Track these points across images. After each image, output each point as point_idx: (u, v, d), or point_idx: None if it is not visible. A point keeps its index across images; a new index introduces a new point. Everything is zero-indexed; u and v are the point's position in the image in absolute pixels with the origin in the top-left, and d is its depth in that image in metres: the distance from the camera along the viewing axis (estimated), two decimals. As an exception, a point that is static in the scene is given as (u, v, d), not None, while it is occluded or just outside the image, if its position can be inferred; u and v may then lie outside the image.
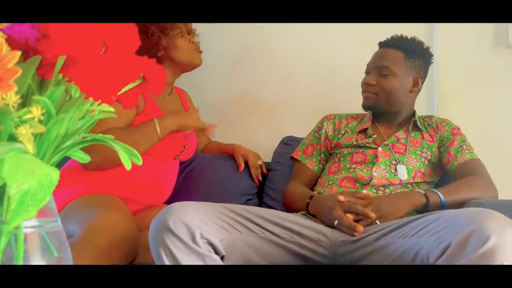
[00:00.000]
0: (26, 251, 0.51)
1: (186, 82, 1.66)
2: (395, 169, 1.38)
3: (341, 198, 1.20)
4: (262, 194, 1.69)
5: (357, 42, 1.85)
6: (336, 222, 1.17)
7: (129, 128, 1.37)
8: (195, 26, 1.65)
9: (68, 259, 0.57)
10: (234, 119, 1.99)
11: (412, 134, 1.46)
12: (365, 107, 1.48)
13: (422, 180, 1.39)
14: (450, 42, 1.81)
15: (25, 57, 0.52)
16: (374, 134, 1.47)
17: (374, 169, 1.37)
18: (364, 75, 1.50)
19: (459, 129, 1.48)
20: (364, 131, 1.49)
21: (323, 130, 1.55)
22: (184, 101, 1.69)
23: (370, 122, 1.50)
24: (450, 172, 1.40)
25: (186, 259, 0.99)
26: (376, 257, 1.08)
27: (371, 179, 1.35)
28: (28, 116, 0.47)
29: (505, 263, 0.82)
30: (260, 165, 1.71)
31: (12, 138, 0.47)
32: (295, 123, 1.86)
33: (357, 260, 1.12)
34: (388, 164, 1.39)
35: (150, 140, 1.37)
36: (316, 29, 1.93)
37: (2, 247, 0.50)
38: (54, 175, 0.48)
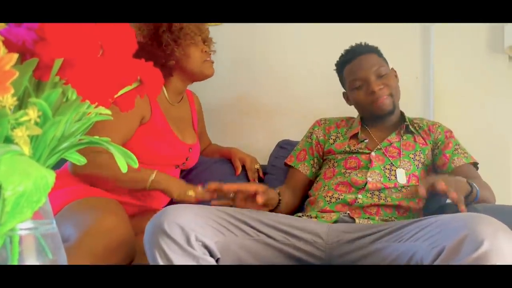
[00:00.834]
0: (21, 253, 0.51)
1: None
2: (390, 173, 1.38)
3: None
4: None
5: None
6: None
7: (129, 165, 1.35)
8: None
9: (63, 262, 0.57)
10: (231, 122, 1.99)
11: (405, 137, 1.46)
12: (386, 112, 1.43)
13: (417, 183, 1.39)
14: (446, 47, 1.82)
15: (22, 59, 0.52)
16: (365, 139, 1.47)
17: (368, 173, 1.37)
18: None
19: (451, 132, 1.49)
20: (355, 136, 1.49)
21: (314, 135, 1.56)
22: (193, 108, 1.69)
23: (359, 126, 1.50)
24: (446, 174, 1.39)
25: (181, 261, 0.99)
26: (371, 260, 1.08)
27: (366, 184, 1.35)
28: (25, 118, 0.47)
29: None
30: (257, 169, 1.71)
31: (8, 140, 0.47)
32: (291, 127, 1.87)
33: (352, 263, 1.12)
34: (383, 168, 1.39)
35: (137, 185, 1.35)
36: (312, 34, 1.94)
37: (-3, 249, 0.50)
38: (50, 177, 0.48)
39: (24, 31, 0.52)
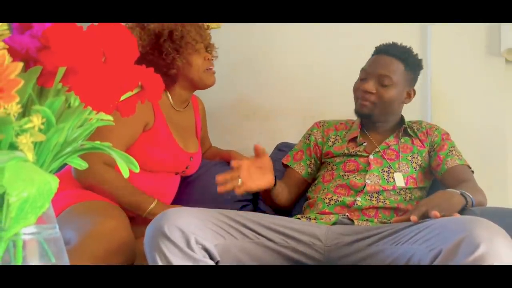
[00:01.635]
0: (24, 258, 0.52)
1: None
2: (388, 176, 1.39)
3: None
4: (257, 200, 1.70)
5: (352, 48, 1.87)
6: None
7: (133, 187, 1.37)
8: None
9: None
10: (231, 125, 2.00)
11: (402, 140, 1.47)
12: (359, 113, 1.46)
13: (415, 186, 1.40)
14: (444, 50, 1.84)
15: (26, 66, 0.53)
16: (364, 142, 1.47)
17: (367, 176, 1.38)
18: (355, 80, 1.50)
19: (448, 134, 1.50)
20: (354, 139, 1.49)
21: (313, 137, 1.56)
22: (197, 114, 1.69)
23: (359, 130, 1.50)
24: (439, 175, 1.41)
25: (181, 264, 1.00)
26: (370, 262, 1.09)
27: (364, 186, 1.36)
28: (29, 125, 0.48)
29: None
30: None
31: (13, 146, 0.48)
32: (290, 129, 1.87)
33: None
34: (381, 171, 1.40)
35: (136, 210, 1.36)
36: (312, 35, 1.95)
37: (1, 253, 0.50)
38: (53, 183, 0.49)
39: (28, 39, 0.53)
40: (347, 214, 1.33)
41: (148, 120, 1.42)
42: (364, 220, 1.32)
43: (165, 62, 1.45)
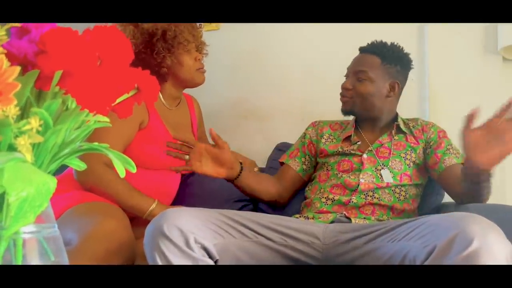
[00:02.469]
0: (24, 256, 0.54)
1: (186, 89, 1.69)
2: (381, 174, 1.40)
3: None
4: (257, 200, 1.72)
5: (350, 49, 1.87)
6: None
7: (133, 188, 1.39)
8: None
9: (64, 263, 0.59)
10: (230, 126, 2.01)
11: (396, 137, 1.48)
12: (343, 111, 1.51)
13: (410, 182, 1.41)
14: (441, 48, 1.85)
15: (23, 70, 0.54)
16: (358, 141, 1.49)
17: (361, 175, 1.40)
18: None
19: (445, 132, 1.50)
20: (348, 138, 1.51)
21: (308, 135, 1.59)
22: (192, 111, 1.71)
23: (353, 129, 1.52)
24: (437, 173, 1.41)
25: (180, 263, 1.02)
26: (367, 260, 1.11)
27: (358, 185, 1.38)
28: (27, 127, 0.49)
29: (488, 266, 0.84)
30: (256, 171, 1.73)
31: (12, 148, 0.50)
32: (289, 129, 1.88)
33: (348, 263, 1.15)
34: (374, 169, 1.41)
35: (136, 212, 1.38)
36: (309, 36, 1.97)
37: (1, 251, 0.52)
38: (51, 183, 0.50)
39: (25, 43, 0.55)
40: (344, 212, 1.34)
41: (143, 118, 1.44)
42: (361, 218, 1.33)
43: (156, 61, 1.48)
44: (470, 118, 1.09)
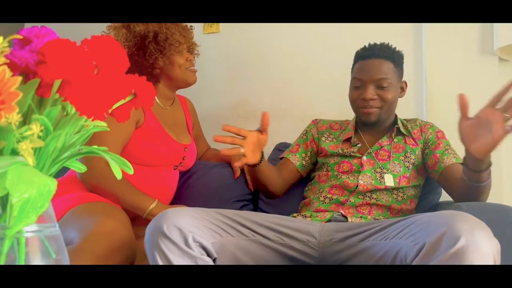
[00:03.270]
0: (27, 254, 0.56)
1: (183, 90, 1.72)
2: (381, 176, 1.42)
3: None
4: (257, 200, 1.74)
5: (347, 49, 1.90)
6: None
7: (134, 188, 1.42)
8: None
9: (65, 261, 0.62)
10: (230, 126, 2.04)
11: (396, 140, 1.50)
12: (367, 122, 1.47)
13: (408, 184, 1.44)
14: (438, 49, 1.87)
15: (26, 79, 0.58)
16: (358, 143, 1.50)
17: (360, 177, 1.42)
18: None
19: (443, 132, 1.52)
20: (348, 140, 1.53)
21: (310, 133, 1.61)
22: (187, 111, 1.74)
23: (353, 131, 1.54)
24: (437, 173, 1.42)
25: (180, 261, 1.04)
26: (361, 257, 1.13)
27: (357, 186, 1.40)
28: (28, 132, 0.53)
29: (475, 262, 0.87)
30: None
31: (14, 152, 0.53)
32: (289, 130, 1.91)
33: (344, 261, 1.17)
34: (373, 171, 1.44)
35: (136, 210, 1.41)
36: (308, 38, 1.99)
37: (5, 250, 0.55)
38: (52, 185, 0.53)
39: (27, 53, 0.58)
40: (341, 211, 1.37)
41: (139, 117, 1.48)
42: (358, 217, 1.36)
43: (149, 63, 1.52)
44: (462, 107, 1.12)
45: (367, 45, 1.51)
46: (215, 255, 1.11)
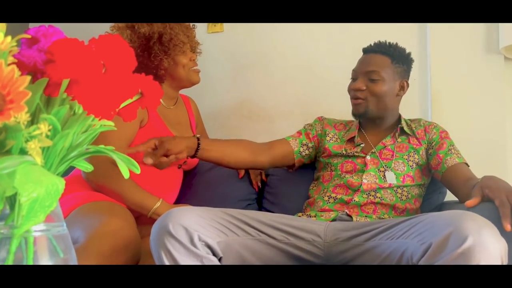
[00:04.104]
0: (35, 253, 0.56)
1: (188, 90, 1.72)
2: (384, 175, 1.42)
3: None
4: (261, 200, 1.74)
5: (353, 49, 1.90)
6: None
7: (139, 187, 1.42)
8: (197, 34, 1.69)
9: (73, 260, 0.62)
10: (234, 126, 2.04)
11: (399, 140, 1.50)
12: (356, 114, 1.50)
13: (412, 183, 1.43)
14: (443, 48, 1.86)
15: (34, 78, 0.58)
16: (362, 143, 1.51)
17: (364, 176, 1.42)
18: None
19: (447, 133, 1.51)
20: (352, 140, 1.53)
21: (314, 128, 1.61)
22: (190, 110, 1.75)
23: (357, 131, 1.54)
24: (440, 174, 1.42)
25: (185, 260, 1.05)
26: (367, 257, 1.13)
27: (361, 185, 1.40)
28: (37, 132, 0.53)
29: (481, 262, 0.86)
30: (260, 172, 1.76)
31: (23, 151, 0.53)
32: (292, 129, 1.90)
33: (349, 260, 1.17)
34: (377, 170, 1.44)
35: (141, 208, 1.41)
36: (312, 37, 1.99)
37: (14, 249, 0.55)
38: (60, 184, 0.54)
39: (35, 53, 0.58)
40: (346, 210, 1.36)
41: (143, 116, 1.49)
42: (363, 216, 1.36)
43: (154, 64, 1.52)
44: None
45: (375, 41, 1.54)
46: (221, 254, 1.11)
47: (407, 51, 1.54)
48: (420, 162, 1.47)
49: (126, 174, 0.61)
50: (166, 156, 1.27)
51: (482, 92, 1.82)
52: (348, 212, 1.36)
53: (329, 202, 1.42)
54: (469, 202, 1.13)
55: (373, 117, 1.51)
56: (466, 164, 1.44)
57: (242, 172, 1.73)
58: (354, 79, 1.51)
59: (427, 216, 1.02)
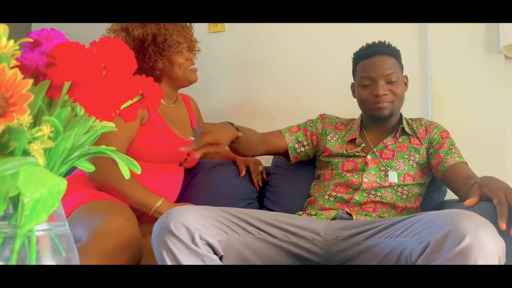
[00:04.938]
0: (38, 252, 0.58)
1: (189, 89, 1.73)
2: (385, 174, 1.43)
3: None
4: (262, 199, 1.75)
5: (351, 48, 1.90)
6: None
7: (141, 185, 1.43)
8: (198, 33, 1.71)
9: (75, 259, 0.63)
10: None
11: (400, 140, 1.50)
12: (384, 117, 1.48)
13: (413, 182, 1.44)
14: (443, 48, 1.86)
15: (36, 81, 0.59)
16: (362, 143, 1.51)
17: (364, 175, 1.43)
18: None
19: (448, 133, 1.52)
20: (353, 140, 1.53)
21: (315, 126, 1.62)
22: (190, 109, 1.76)
23: (358, 131, 1.54)
24: (440, 173, 1.43)
25: (187, 259, 1.06)
26: (366, 255, 1.14)
27: (361, 184, 1.41)
28: (39, 133, 0.54)
29: (479, 261, 0.87)
30: (261, 171, 1.77)
31: (26, 153, 0.54)
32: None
33: (349, 259, 1.18)
34: (378, 170, 1.44)
35: (142, 208, 1.42)
36: (313, 37, 2.00)
37: (17, 248, 0.56)
38: (62, 184, 0.55)
39: (37, 56, 0.59)
40: (346, 209, 1.37)
41: (143, 114, 1.50)
42: (363, 215, 1.36)
43: (149, 65, 1.53)
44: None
45: (364, 45, 1.53)
46: (222, 253, 1.12)
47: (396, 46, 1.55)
48: (420, 162, 1.48)
49: (127, 175, 0.63)
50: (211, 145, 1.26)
51: (483, 91, 1.83)
52: (348, 211, 1.37)
53: (330, 201, 1.43)
54: (468, 201, 1.14)
55: (392, 117, 1.52)
56: (466, 163, 1.45)
57: (243, 171, 1.73)
58: (367, 85, 1.47)
59: (425, 215, 1.03)
